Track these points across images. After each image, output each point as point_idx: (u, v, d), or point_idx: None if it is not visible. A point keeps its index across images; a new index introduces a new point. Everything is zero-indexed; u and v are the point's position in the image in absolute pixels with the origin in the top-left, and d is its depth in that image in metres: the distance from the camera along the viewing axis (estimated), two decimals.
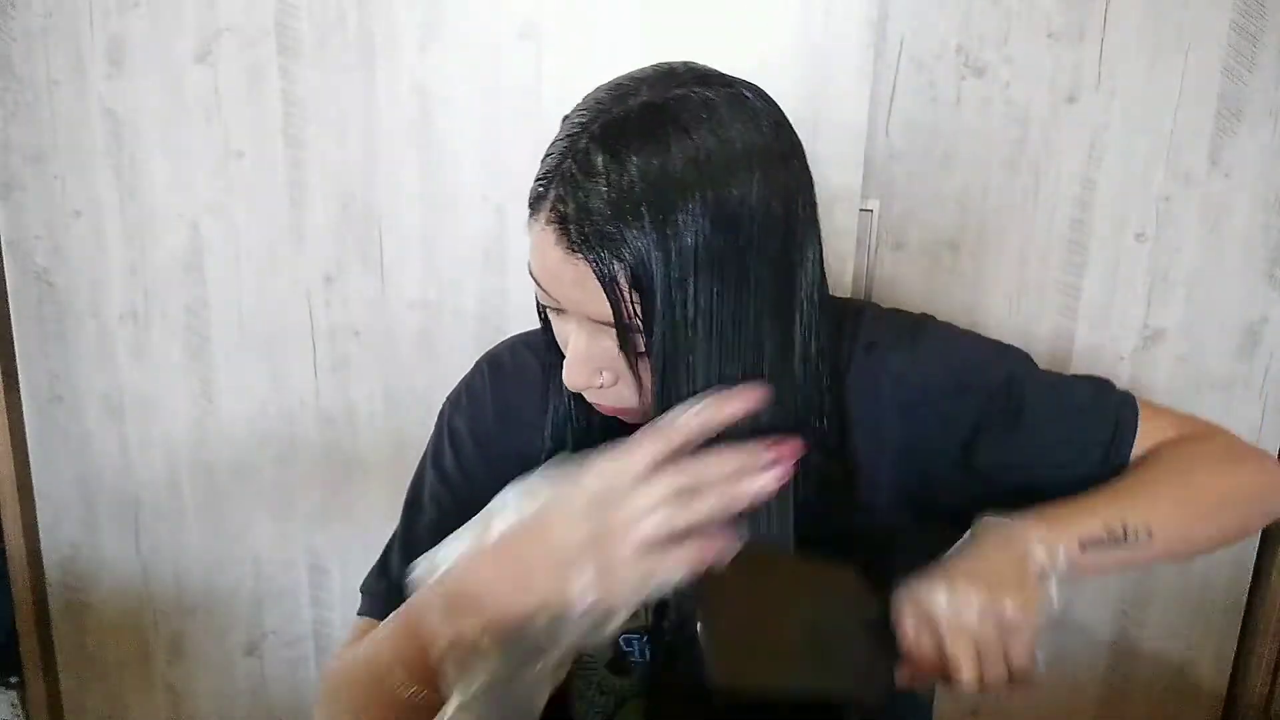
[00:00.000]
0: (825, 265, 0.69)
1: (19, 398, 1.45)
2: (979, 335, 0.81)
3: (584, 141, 0.62)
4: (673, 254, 0.59)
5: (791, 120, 0.67)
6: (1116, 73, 1.20)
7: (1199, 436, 0.77)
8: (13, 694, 1.58)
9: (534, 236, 0.64)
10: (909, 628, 0.61)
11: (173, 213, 1.36)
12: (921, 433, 0.75)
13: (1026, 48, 1.20)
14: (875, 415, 0.75)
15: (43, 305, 1.42)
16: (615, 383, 0.67)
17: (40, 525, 1.51)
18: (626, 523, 0.55)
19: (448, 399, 0.86)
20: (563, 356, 0.70)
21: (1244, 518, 0.76)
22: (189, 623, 1.53)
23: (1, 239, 1.40)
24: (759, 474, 0.57)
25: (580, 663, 0.81)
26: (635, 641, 0.80)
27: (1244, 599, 1.37)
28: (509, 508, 0.59)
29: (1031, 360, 0.79)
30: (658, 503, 0.56)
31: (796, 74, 1.19)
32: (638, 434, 0.59)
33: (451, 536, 0.62)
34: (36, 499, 1.50)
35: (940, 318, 1.28)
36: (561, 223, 0.61)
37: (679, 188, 0.59)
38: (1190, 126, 1.21)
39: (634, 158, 0.60)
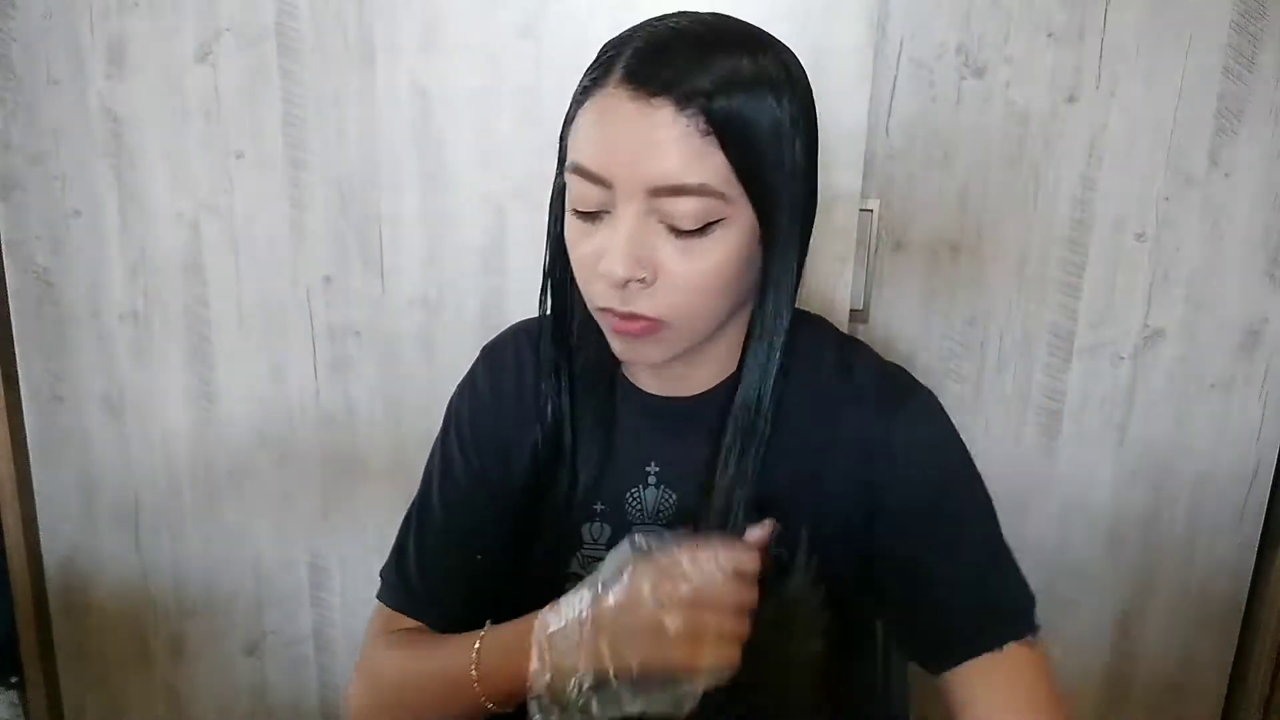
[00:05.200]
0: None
1: (19, 398, 1.45)
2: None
3: (665, 23, 0.68)
4: (755, 126, 0.65)
5: None
6: (1116, 73, 1.20)
7: None
8: (13, 694, 1.58)
9: (596, 106, 0.67)
10: None
11: (173, 213, 1.36)
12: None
13: (1026, 48, 1.20)
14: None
15: (43, 305, 1.42)
16: (654, 281, 0.68)
17: (40, 525, 1.51)
18: (714, 618, 0.61)
19: (456, 388, 0.88)
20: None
21: None
22: (189, 623, 1.53)
23: (1, 239, 1.40)
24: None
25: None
26: None
27: (1244, 599, 1.37)
28: (621, 577, 0.63)
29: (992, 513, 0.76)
30: (731, 609, 0.62)
31: None
32: (715, 543, 0.63)
33: (570, 594, 0.66)
34: (36, 499, 1.50)
35: (940, 318, 1.29)
36: (641, 74, 0.65)
37: (758, 80, 0.66)
38: (1190, 126, 1.21)
39: (719, 39, 0.67)
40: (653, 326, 0.70)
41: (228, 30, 1.28)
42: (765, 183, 0.67)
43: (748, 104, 0.65)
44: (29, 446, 1.48)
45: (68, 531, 1.51)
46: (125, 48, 1.30)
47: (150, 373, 1.43)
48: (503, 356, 0.86)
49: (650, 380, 0.80)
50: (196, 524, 1.48)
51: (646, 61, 0.65)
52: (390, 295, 1.35)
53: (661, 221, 0.67)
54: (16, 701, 1.58)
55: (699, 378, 0.78)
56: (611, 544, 0.78)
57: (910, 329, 1.30)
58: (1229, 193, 1.23)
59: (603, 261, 0.67)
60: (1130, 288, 1.27)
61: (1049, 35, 1.19)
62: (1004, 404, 1.32)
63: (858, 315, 1.28)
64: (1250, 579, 1.37)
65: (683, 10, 0.70)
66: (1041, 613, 0.73)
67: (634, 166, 0.65)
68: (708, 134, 0.64)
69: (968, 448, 0.76)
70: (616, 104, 0.65)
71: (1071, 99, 1.21)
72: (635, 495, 0.80)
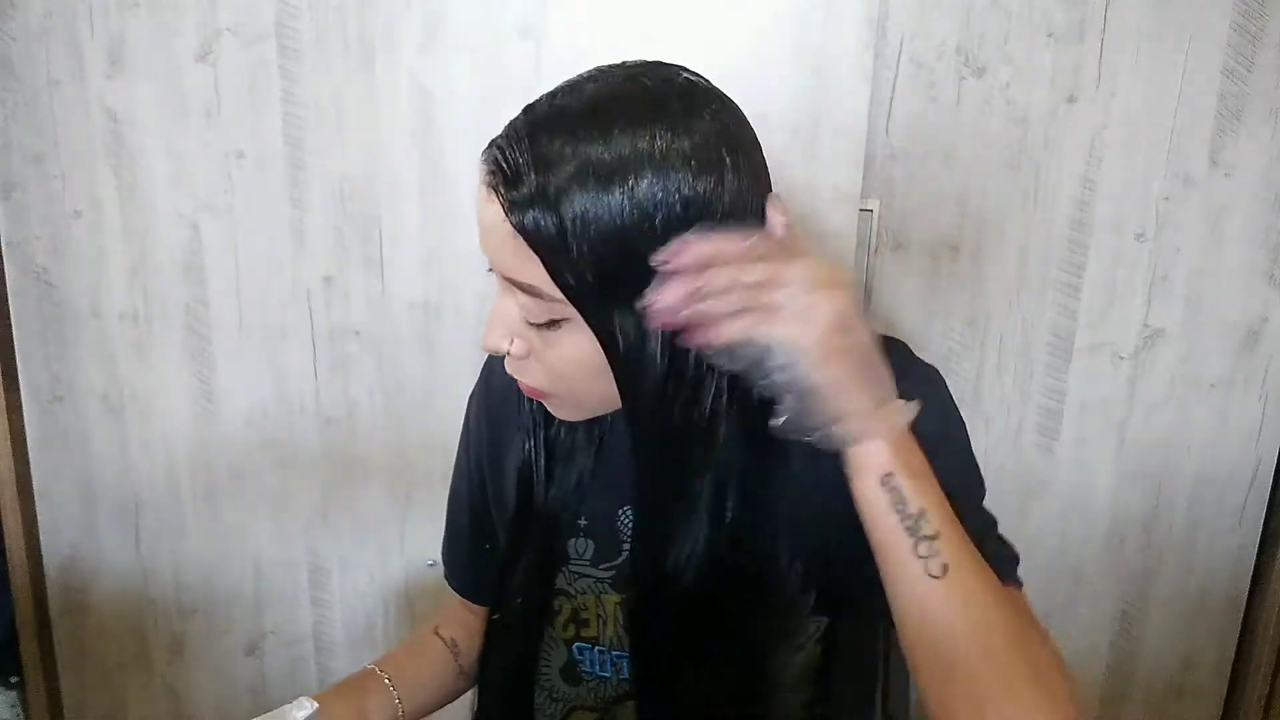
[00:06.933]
0: None
1: (19, 398, 1.45)
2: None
3: (542, 104, 0.64)
4: (568, 225, 0.59)
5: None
6: (1116, 73, 1.20)
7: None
8: (13, 694, 1.58)
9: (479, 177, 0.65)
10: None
11: (173, 213, 1.36)
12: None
13: (1026, 48, 1.20)
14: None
15: (43, 305, 1.42)
16: (526, 355, 0.68)
17: (40, 525, 1.51)
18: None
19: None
20: None
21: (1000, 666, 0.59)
22: (189, 623, 1.53)
23: (1, 239, 1.40)
24: None
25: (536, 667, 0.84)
26: (587, 651, 0.81)
27: (1244, 599, 1.37)
28: None
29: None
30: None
31: (796, 74, 1.19)
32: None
33: None
34: (36, 499, 1.50)
35: (940, 318, 1.28)
36: (489, 165, 0.63)
37: (595, 173, 0.59)
38: (1190, 126, 1.21)
39: (575, 126, 0.60)
40: (540, 393, 0.70)
41: (228, 30, 1.28)
42: (587, 296, 0.61)
43: (591, 203, 0.58)
44: (29, 446, 1.48)
45: (68, 531, 1.51)
46: (125, 48, 1.30)
47: (150, 373, 1.43)
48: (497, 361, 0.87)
49: None
50: (196, 524, 1.48)
51: (496, 153, 0.63)
52: (390, 295, 1.35)
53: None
54: (16, 702, 1.58)
55: None
56: (595, 561, 0.80)
57: (910, 329, 1.30)
58: (1229, 193, 1.23)
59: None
60: (1130, 288, 1.27)
61: (1049, 35, 1.19)
62: (1004, 404, 1.32)
63: None
64: (1250, 579, 1.37)
65: (597, 71, 0.65)
66: (1041, 612, 0.72)
67: (488, 251, 0.65)
68: (537, 246, 0.60)
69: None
70: (481, 186, 0.64)
71: (1071, 99, 1.21)
72: (625, 513, 0.79)
